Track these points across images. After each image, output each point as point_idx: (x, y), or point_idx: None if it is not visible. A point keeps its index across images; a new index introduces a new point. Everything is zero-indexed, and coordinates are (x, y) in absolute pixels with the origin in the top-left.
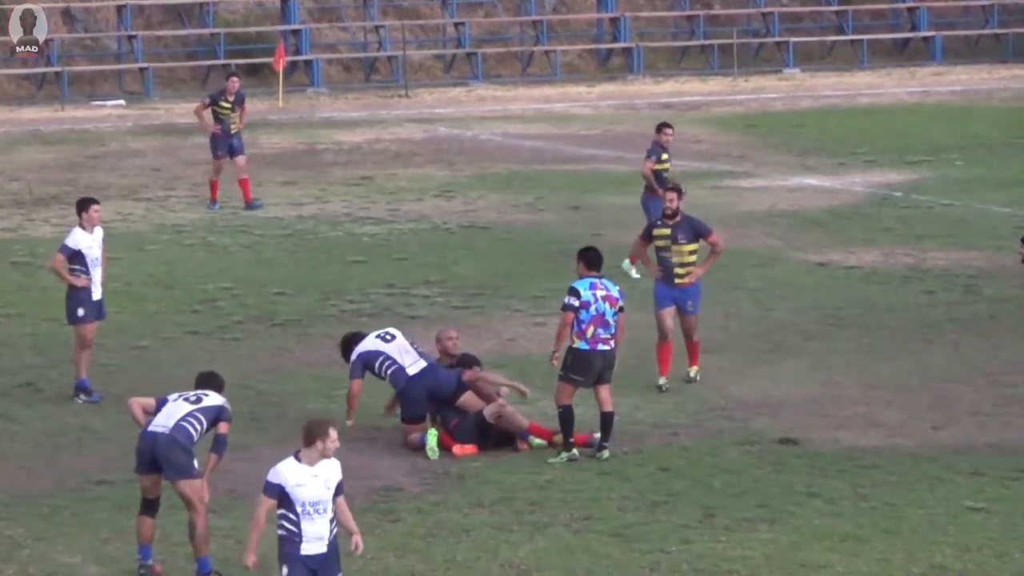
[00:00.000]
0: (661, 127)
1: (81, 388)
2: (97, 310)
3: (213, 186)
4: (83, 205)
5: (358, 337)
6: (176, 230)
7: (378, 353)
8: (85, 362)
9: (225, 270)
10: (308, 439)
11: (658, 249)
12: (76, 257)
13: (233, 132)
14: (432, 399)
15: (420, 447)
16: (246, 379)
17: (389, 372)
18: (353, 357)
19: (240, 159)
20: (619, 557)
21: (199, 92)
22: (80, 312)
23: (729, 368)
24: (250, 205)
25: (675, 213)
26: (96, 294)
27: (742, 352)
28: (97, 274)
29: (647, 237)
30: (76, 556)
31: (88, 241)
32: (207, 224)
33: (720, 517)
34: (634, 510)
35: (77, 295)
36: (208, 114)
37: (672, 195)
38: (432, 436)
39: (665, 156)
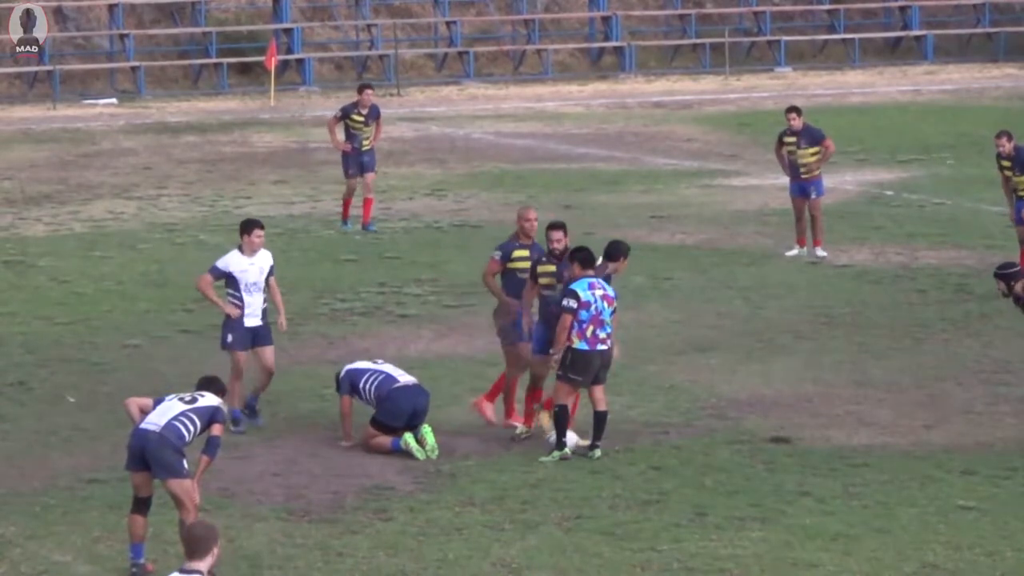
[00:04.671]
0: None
1: (233, 418)
2: (249, 339)
3: (345, 205)
4: (246, 228)
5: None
6: (168, 229)
7: (365, 370)
8: (238, 392)
9: None
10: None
11: (544, 287)
12: (230, 281)
13: (365, 149)
14: (411, 417)
15: (391, 452)
16: None
17: (375, 383)
18: (341, 374)
19: (369, 176)
20: (610, 556)
21: (191, 91)
22: (229, 339)
23: (721, 367)
24: (366, 227)
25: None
26: (250, 321)
27: (734, 351)
28: (255, 300)
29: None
30: (67, 554)
31: (243, 264)
32: (199, 223)
33: (711, 516)
34: (625, 509)
35: (227, 320)
36: (340, 129)
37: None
38: (410, 438)
39: (788, 138)
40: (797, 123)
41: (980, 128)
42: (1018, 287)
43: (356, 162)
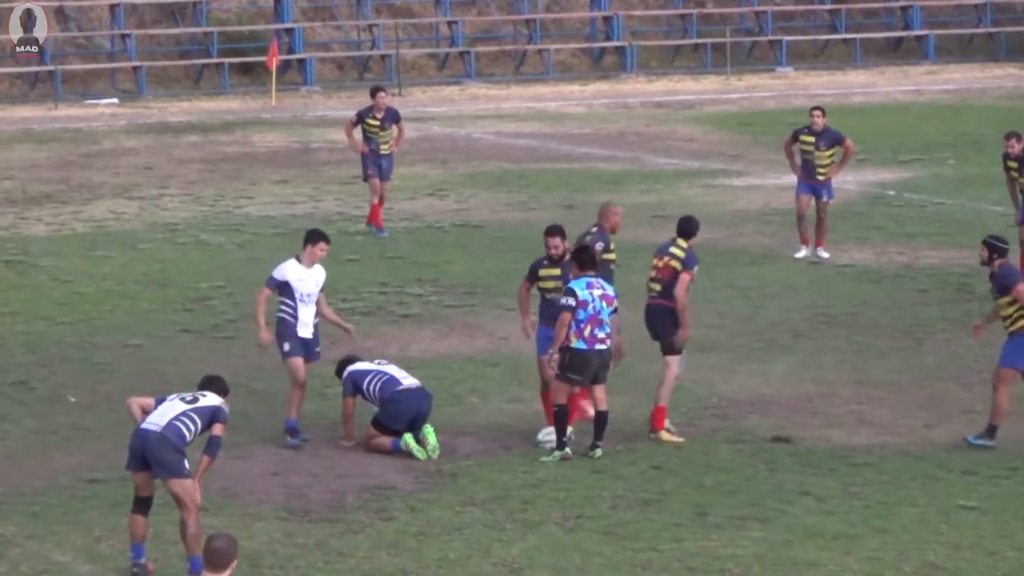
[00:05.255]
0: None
1: (288, 429)
2: (304, 348)
3: (374, 210)
4: (313, 238)
5: (352, 359)
6: (169, 228)
7: (368, 371)
8: (296, 402)
9: (218, 269)
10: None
11: (549, 291)
12: (285, 290)
13: (383, 153)
14: (413, 421)
15: (391, 452)
16: (238, 377)
17: (378, 384)
18: (344, 375)
19: (384, 184)
20: (611, 555)
21: (192, 91)
22: (286, 347)
23: (721, 366)
24: (370, 227)
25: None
26: (303, 332)
27: (734, 350)
28: (308, 311)
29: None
30: (68, 554)
31: (300, 274)
32: (200, 223)
33: (712, 515)
34: (626, 508)
35: (282, 329)
36: (357, 132)
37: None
38: (410, 438)
39: (806, 137)
40: (820, 122)
41: (982, 128)
42: (996, 264)
43: (374, 164)
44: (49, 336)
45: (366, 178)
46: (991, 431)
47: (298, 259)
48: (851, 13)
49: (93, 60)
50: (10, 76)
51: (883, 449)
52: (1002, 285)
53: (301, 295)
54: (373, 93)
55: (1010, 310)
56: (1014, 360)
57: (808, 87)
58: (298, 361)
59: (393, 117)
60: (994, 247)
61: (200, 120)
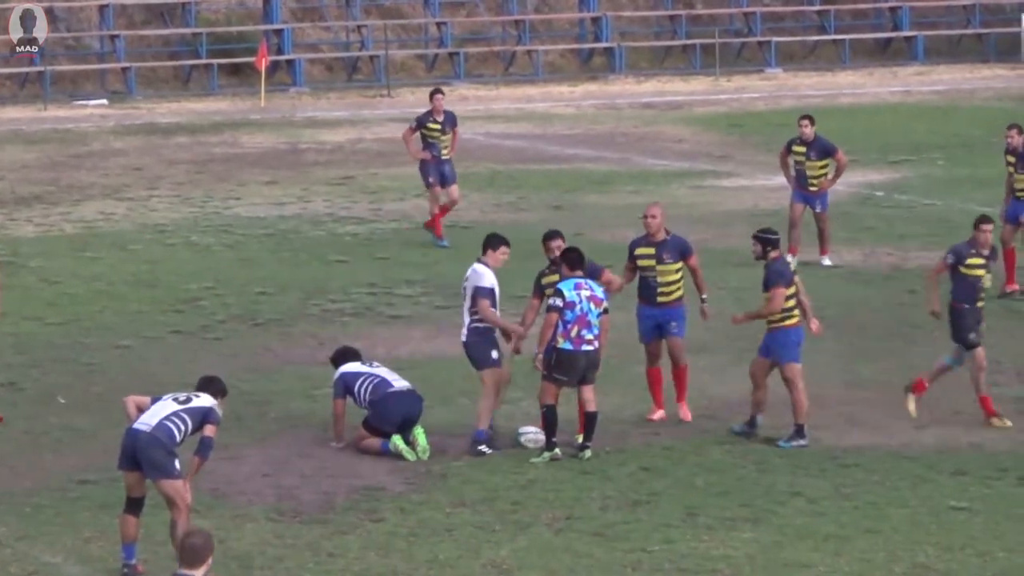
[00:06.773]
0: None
1: (480, 438)
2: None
3: (435, 219)
4: (494, 244)
5: (348, 354)
6: (158, 229)
7: (359, 373)
8: (491, 412)
9: (207, 269)
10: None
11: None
12: (490, 296)
13: (444, 158)
14: (403, 423)
15: (381, 454)
16: (228, 378)
17: (370, 387)
18: (335, 376)
19: (453, 189)
20: (601, 556)
21: (181, 91)
22: (495, 355)
23: (711, 367)
24: (437, 240)
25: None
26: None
27: (724, 351)
28: None
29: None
30: (58, 555)
31: (495, 279)
32: (189, 223)
33: (702, 516)
34: (616, 509)
35: (488, 337)
36: (416, 139)
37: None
38: (399, 440)
39: (797, 148)
40: (809, 131)
41: (971, 129)
42: (770, 257)
43: (436, 171)
44: (39, 337)
45: (428, 186)
46: (799, 431)
47: (485, 264)
48: (840, 14)
49: (82, 61)
50: None
51: (874, 450)
52: (766, 280)
53: (497, 298)
54: (431, 96)
55: None
56: (770, 351)
57: (797, 88)
58: (506, 371)
59: (452, 121)
60: (766, 240)
61: (189, 121)
